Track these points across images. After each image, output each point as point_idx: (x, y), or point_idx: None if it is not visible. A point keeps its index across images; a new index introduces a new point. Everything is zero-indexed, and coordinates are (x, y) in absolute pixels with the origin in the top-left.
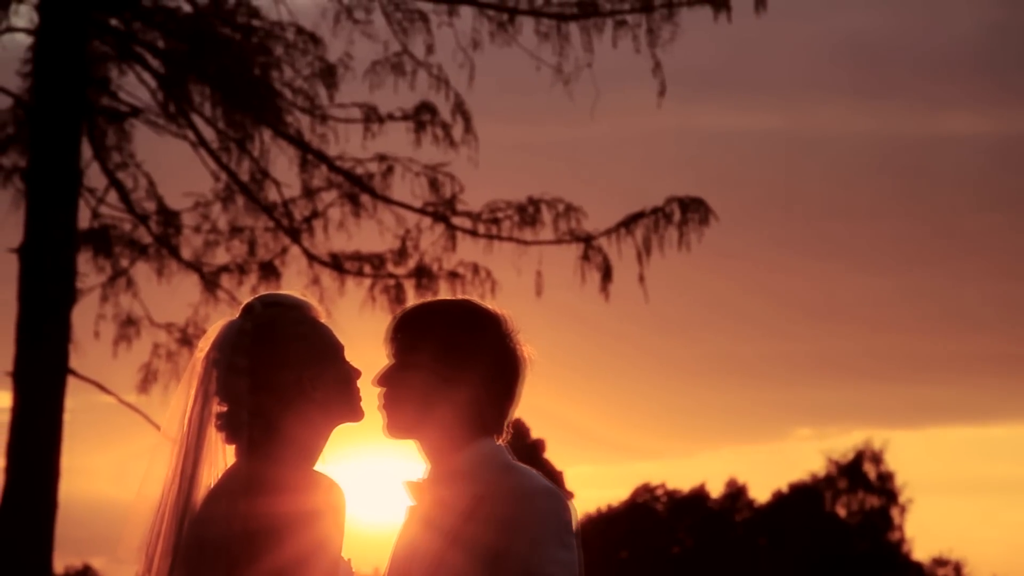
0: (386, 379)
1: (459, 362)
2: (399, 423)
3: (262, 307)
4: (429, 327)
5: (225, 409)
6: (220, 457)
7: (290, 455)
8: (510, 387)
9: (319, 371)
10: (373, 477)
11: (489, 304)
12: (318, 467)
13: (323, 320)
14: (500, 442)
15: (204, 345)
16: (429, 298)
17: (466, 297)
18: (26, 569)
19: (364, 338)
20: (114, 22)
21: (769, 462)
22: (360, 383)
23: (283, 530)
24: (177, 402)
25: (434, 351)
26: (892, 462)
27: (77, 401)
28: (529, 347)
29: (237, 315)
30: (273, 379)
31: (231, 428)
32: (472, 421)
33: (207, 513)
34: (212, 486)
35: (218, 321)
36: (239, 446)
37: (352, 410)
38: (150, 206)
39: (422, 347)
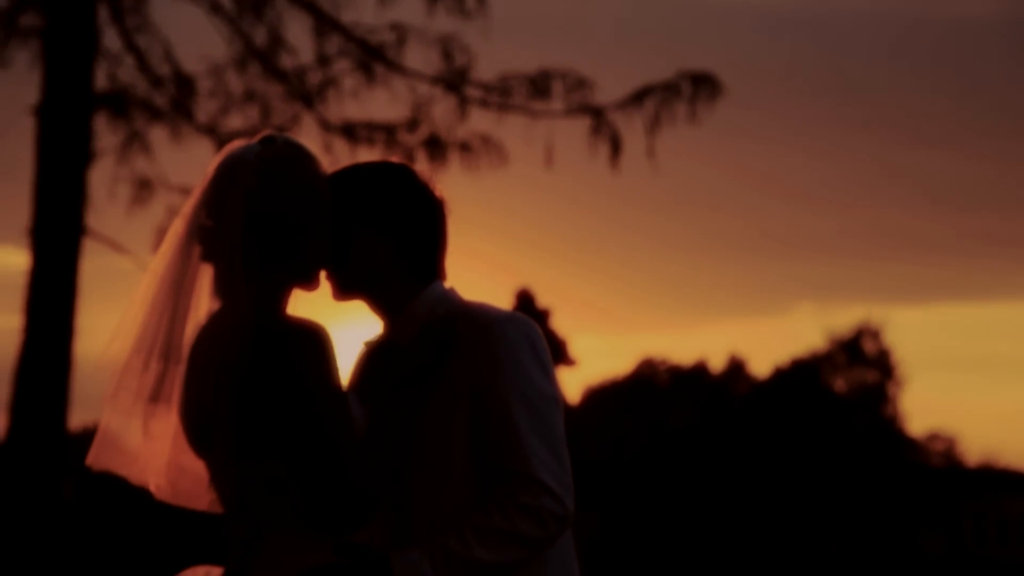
0: None
1: (390, 216)
2: (346, 285)
3: (283, 142)
4: (354, 191)
5: (211, 224)
6: (205, 278)
7: (264, 287)
8: (440, 230)
9: (306, 220)
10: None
11: (394, 158)
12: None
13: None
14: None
15: (216, 160)
16: (346, 164)
17: (385, 159)
18: (43, 425)
19: None
20: None
21: (771, 336)
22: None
23: (287, 376)
24: (181, 216)
25: (364, 211)
26: (892, 338)
27: (93, 262)
28: (441, 189)
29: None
30: (263, 207)
31: (212, 241)
32: (416, 269)
33: (202, 367)
34: (202, 326)
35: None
36: (216, 263)
37: (313, 274)
38: (166, 70)
39: (352, 209)
